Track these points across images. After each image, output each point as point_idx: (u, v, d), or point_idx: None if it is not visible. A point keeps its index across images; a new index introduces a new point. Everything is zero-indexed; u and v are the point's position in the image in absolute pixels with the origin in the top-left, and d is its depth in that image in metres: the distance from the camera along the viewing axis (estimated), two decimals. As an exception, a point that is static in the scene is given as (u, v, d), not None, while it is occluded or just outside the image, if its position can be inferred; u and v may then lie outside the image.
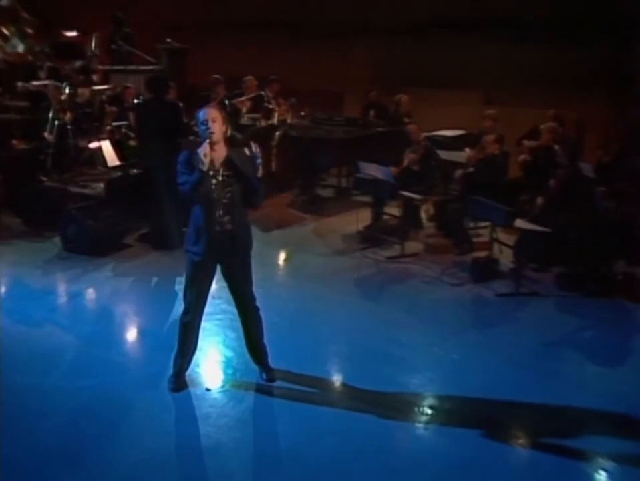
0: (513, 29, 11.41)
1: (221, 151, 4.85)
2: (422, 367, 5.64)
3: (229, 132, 4.96)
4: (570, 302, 6.95)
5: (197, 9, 14.01)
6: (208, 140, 4.74)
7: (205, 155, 4.69)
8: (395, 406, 5.06)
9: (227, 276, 5.13)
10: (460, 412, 5.04)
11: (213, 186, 4.82)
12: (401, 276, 7.62)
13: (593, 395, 5.26)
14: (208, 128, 4.76)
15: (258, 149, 4.89)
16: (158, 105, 8.09)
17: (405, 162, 8.73)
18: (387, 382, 5.33)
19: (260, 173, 4.91)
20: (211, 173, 4.80)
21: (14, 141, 9.52)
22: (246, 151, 4.92)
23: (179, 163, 4.90)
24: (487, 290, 7.19)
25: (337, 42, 13.00)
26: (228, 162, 4.85)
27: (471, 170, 8.43)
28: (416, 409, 5.07)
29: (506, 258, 7.67)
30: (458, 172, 8.61)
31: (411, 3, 12.45)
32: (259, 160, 4.89)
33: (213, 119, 4.78)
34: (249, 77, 11.18)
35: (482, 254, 7.77)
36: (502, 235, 7.80)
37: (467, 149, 9.48)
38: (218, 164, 4.83)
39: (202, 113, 4.82)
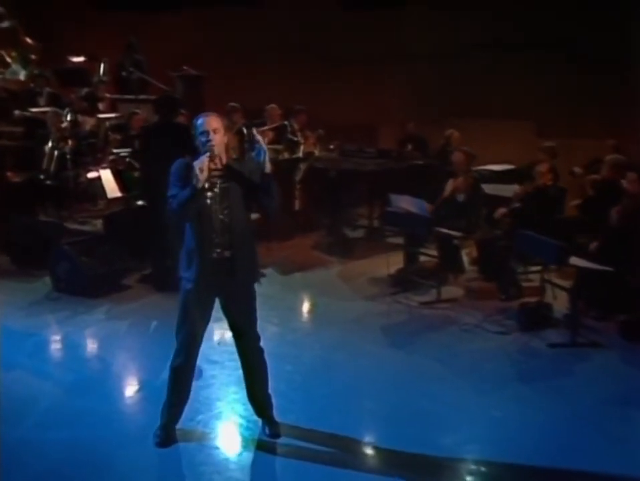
0: (566, 51, 11.22)
1: (221, 163, 4.58)
2: (457, 424, 5.26)
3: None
4: (636, 354, 6.57)
5: (218, 35, 14.09)
6: (207, 154, 4.46)
7: (201, 170, 4.41)
8: (424, 469, 4.72)
9: (226, 311, 4.85)
10: (501, 479, 4.67)
11: (208, 200, 4.53)
12: (437, 323, 7.29)
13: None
14: (209, 140, 4.51)
15: (260, 137, 4.62)
16: (166, 129, 7.91)
17: (448, 191, 8.46)
18: (415, 441, 4.97)
19: (268, 168, 4.61)
20: (206, 185, 4.50)
21: (8, 173, 9.46)
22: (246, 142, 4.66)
23: (171, 172, 4.65)
24: (537, 339, 6.83)
25: (371, 69, 12.92)
26: (226, 171, 4.59)
27: (516, 205, 8.11)
28: (449, 473, 4.71)
29: (560, 305, 7.28)
30: (500, 211, 8.27)
31: (452, 26, 12.37)
32: (264, 151, 4.59)
33: (214, 129, 4.53)
34: (272, 106, 11.10)
35: (531, 299, 7.39)
36: (557, 279, 7.50)
37: (516, 185, 9.19)
38: (216, 176, 4.56)
39: (200, 122, 4.58)
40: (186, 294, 4.73)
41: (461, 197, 8.45)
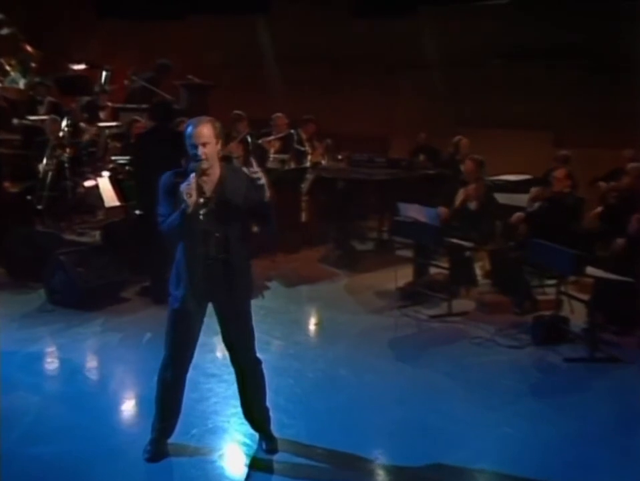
0: (583, 59, 11.15)
1: (213, 175, 4.44)
2: (466, 440, 5.12)
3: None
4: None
5: (224, 42, 14.08)
6: (193, 175, 4.27)
7: (189, 194, 4.24)
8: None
9: (220, 318, 4.70)
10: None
11: (201, 217, 4.37)
12: (447, 337, 7.18)
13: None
14: (196, 155, 4.34)
15: (258, 167, 4.49)
16: (162, 135, 7.84)
17: (459, 200, 8.34)
18: (422, 458, 4.83)
19: (267, 197, 4.45)
20: (201, 200, 4.35)
21: (6, 184, 9.41)
22: (245, 170, 4.52)
23: (159, 187, 4.51)
24: (553, 354, 6.71)
25: (382, 78, 12.87)
26: (221, 188, 4.44)
27: (532, 208, 7.96)
28: (456, 492, 4.57)
29: (578, 318, 7.15)
30: (517, 215, 8.13)
31: (466, 34, 12.29)
32: (262, 180, 4.44)
33: (203, 143, 4.33)
34: (278, 115, 11.04)
35: (547, 313, 7.25)
36: (574, 292, 7.39)
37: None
38: (209, 190, 4.41)
39: (189, 132, 4.38)
40: (172, 312, 4.60)
41: (472, 205, 8.32)
